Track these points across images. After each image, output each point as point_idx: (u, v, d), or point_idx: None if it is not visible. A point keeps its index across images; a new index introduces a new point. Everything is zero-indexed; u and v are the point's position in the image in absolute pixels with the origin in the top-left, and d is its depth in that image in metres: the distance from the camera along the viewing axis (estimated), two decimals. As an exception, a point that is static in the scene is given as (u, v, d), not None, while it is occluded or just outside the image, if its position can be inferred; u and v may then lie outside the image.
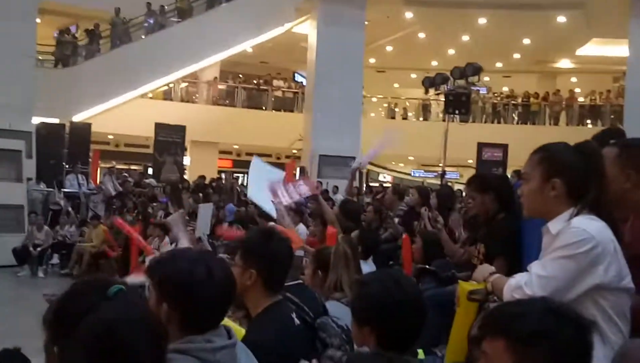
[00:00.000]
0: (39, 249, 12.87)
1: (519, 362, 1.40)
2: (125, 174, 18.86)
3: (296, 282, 3.07)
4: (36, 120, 16.70)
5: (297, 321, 2.61)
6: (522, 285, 2.11)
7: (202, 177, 18.45)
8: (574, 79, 28.42)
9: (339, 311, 3.06)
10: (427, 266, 4.54)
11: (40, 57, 19.19)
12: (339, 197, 17.17)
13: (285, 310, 2.60)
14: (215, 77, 25.39)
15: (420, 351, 2.68)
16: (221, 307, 1.87)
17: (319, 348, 2.83)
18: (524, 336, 1.39)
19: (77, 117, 19.15)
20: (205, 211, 7.47)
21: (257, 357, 2.05)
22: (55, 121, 17.87)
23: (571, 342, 1.40)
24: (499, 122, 25.26)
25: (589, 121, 24.42)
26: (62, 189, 15.52)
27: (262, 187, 5.81)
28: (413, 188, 8.16)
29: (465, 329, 2.47)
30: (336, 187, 18.06)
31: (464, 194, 10.04)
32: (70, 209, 14.87)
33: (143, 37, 21.37)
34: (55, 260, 13.17)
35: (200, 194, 15.05)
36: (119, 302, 1.29)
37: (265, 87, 25.65)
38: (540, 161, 2.29)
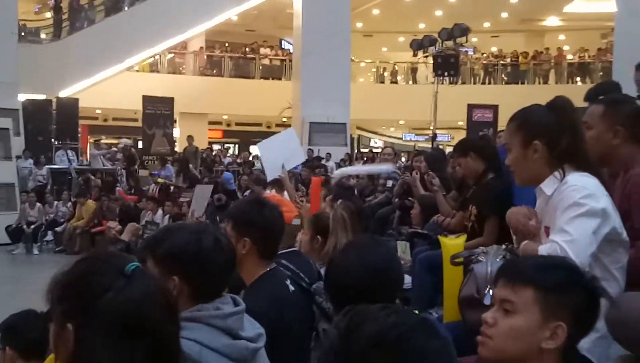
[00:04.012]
0: (32, 227, 12.86)
1: (546, 311, 1.47)
2: (123, 143, 18.69)
3: (291, 249, 3.09)
4: (22, 97, 16.55)
5: (291, 287, 2.63)
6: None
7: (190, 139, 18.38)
8: (562, 37, 28.29)
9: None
10: (419, 230, 4.58)
11: (22, 33, 18.91)
12: (332, 164, 17.21)
13: (279, 277, 2.62)
14: (201, 47, 25.13)
15: (416, 312, 2.73)
16: (228, 275, 1.92)
17: (316, 313, 2.86)
18: (556, 286, 1.49)
19: (64, 93, 18.95)
20: (203, 191, 7.33)
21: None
22: (42, 97, 17.70)
23: (591, 292, 1.52)
24: (488, 83, 25.20)
25: (578, 79, 24.40)
26: (46, 166, 15.41)
27: (276, 151, 5.80)
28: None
29: (455, 289, 2.50)
30: (329, 154, 18.03)
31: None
32: (50, 186, 14.82)
33: (126, 8, 21.05)
34: (50, 236, 13.17)
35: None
36: (139, 280, 1.29)
37: (252, 56, 25.42)
38: (517, 128, 2.31)
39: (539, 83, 24.45)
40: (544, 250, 2.08)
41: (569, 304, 1.48)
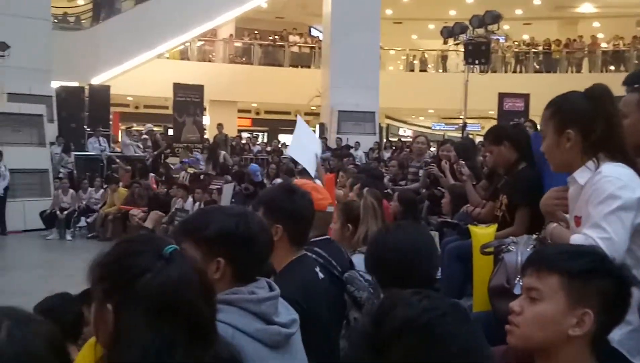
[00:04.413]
0: (65, 212, 13.09)
1: (572, 298, 1.47)
2: (147, 128, 18.91)
3: (324, 237, 3.10)
4: (55, 84, 16.78)
5: (321, 275, 2.63)
6: None
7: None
8: (596, 24, 27.77)
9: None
10: (448, 220, 4.56)
11: (55, 20, 19.16)
12: (360, 153, 17.19)
13: (308, 265, 2.62)
14: (231, 35, 25.20)
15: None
16: (268, 257, 1.97)
17: (347, 302, 2.87)
18: (581, 272, 1.48)
19: (96, 80, 19.20)
20: (227, 190, 7.52)
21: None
22: (75, 84, 17.92)
23: (620, 280, 1.50)
24: (520, 72, 24.87)
25: (612, 67, 23.95)
26: (73, 153, 15.64)
27: (303, 146, 5.83)
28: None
29: (485, 279, 2.49)
30: (357, 143, 18.02)
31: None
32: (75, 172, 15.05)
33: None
34: (83, 223, 13.40)
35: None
36: (177, 262, 1.31)
37: (281, 43, 25.43)
38: (551, 115, 2.27)
39: (572, 72, 24.06)
40: (577, 241, 2.06)
41: (595, 291, 1.47)
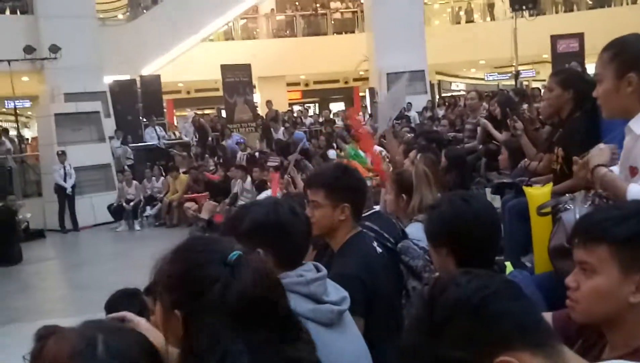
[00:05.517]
0: (131, 204, 13.48)
1: (624, 265, 1.40)
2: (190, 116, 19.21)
3: (372, 211, 3.09)
4: (107, 79, 17.16)
5: (379, 249, 2.64)
6: None
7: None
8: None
9: (421, 233, 3.07)
10: (504, 181, 4.47)
11: (101, 16, 19.52)
12: (414, 114, 16.97)
13: (366, 240, 2.63)
14: (272, 9, 25.13)
15: (508, 264, 2.68)
16: (307, 242, 2.01)
17: (403, 272, 2.88)
18: (628, 238, 1.40)
19: (146, 71, 19.52)
20: (293, 157, 7.85)
21: (345, 289, 2.11)
22: (126, 77, 18.30)
23: None
24: (571, 11, 23.92)
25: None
26: (130, 144, 16.02)
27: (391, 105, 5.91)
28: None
29: (545, 240, 2.44)
30: (409, 103, 17.78)
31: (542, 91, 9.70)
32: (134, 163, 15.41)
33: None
34: (149, 211, 13.78)
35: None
36: (243, 269, 1.35)
37: (323, 12, 25.22)
38: (611, 58, 2.16)
39: (627, 4, 22.97)
40: (635, 193, 1.98)
41: None
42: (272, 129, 16.30)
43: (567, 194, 2.44)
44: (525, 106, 4.91)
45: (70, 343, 1.20)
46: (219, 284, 1.31)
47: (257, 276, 1.35)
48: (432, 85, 23.55)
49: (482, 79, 29.67)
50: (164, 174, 14.42)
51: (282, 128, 16.21)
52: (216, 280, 1.31)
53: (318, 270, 1.92)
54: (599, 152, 2.27)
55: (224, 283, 1.31)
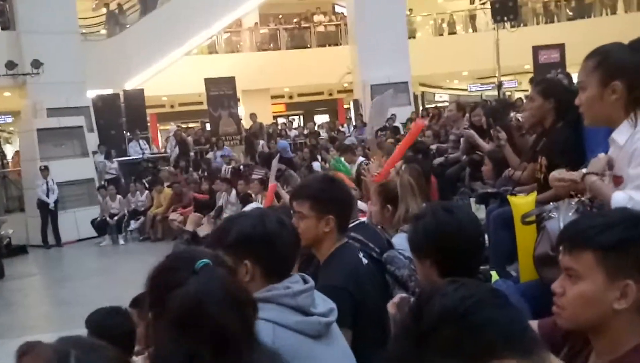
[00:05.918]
0: (115, 218, 13.38)
1: (609, 272, 1.41)
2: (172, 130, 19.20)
3: (357, 221, 3.09)
4: (90, 94, 17.08)
5: (364, 260, 2.64)
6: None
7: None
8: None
9: (407, 243, 3.07)
10: (489, 190, 4.49)
11: (83, 31, 19.45)
12: (398, 126, 17.00)
13: (352, 251, 2.63)
14: (256, 23, 25.17)
15: (493, 273, 2.69)
16: (295, 254, 1.99)
17: (389, 281, 2.88)
18: (613, 244, 1.41)
19: (129, 85, 19.45)
20: (274, 163, 7.83)
21: (332, 300, 2.11)
22: (109, 91, 18.22)
23: None
24: (552, 22, 24.19)
25: (649, 5, 23.10)
26: (115, 159, 15.94)
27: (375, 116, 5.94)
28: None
29: (530, 248, 2.45)
30: (394, 115, 17.83)
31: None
32: (122, 178, 15.34)
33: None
34: (133, 225, 13.69)
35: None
36: (204, 276, 1.34)
37: (306, 25, 25.30)
38: (595, 66, 2.18)
39: (607, 14, 23.27)
40: (619, 201, 1.99)
41: (633, 259, 1.41)
42: (255, 142, 16.31)
43: (551, 203, 2.46)
44: (512, 113, 4.92)
45: (43, 359, 1.23)
46: (180, 290, 1.32)
47: (213, 287, 1.34)
48: (415, 96, 23.66)
49: (466, 90, 29.87)
50: (147, 187, 14.34)
51: (262, 141, 16.23)
52: (180, 284, 1.32)
53: (305, 282, 1.91)
54: (596, 160, 2.28)
55: (185, 288, 1.32)
